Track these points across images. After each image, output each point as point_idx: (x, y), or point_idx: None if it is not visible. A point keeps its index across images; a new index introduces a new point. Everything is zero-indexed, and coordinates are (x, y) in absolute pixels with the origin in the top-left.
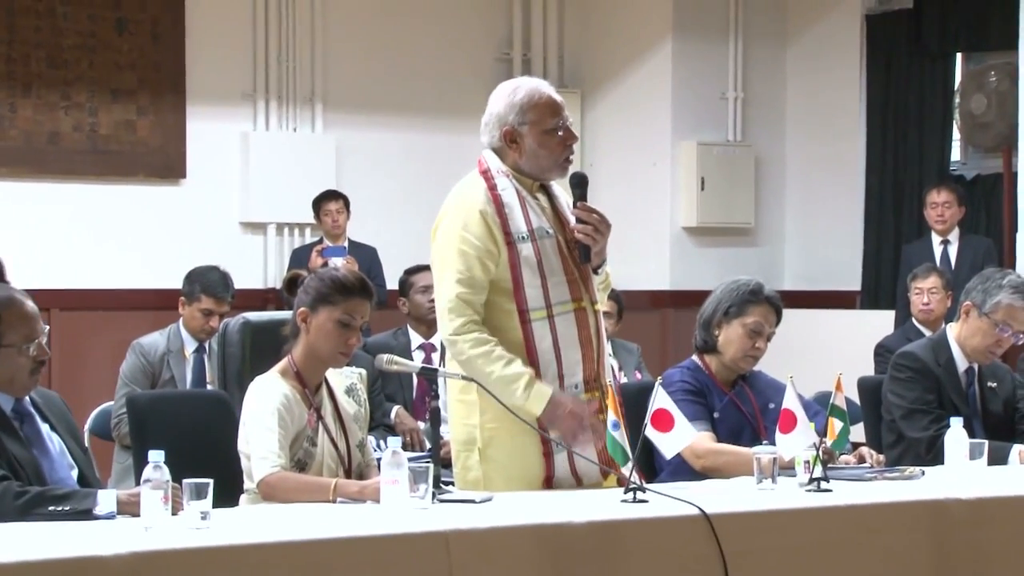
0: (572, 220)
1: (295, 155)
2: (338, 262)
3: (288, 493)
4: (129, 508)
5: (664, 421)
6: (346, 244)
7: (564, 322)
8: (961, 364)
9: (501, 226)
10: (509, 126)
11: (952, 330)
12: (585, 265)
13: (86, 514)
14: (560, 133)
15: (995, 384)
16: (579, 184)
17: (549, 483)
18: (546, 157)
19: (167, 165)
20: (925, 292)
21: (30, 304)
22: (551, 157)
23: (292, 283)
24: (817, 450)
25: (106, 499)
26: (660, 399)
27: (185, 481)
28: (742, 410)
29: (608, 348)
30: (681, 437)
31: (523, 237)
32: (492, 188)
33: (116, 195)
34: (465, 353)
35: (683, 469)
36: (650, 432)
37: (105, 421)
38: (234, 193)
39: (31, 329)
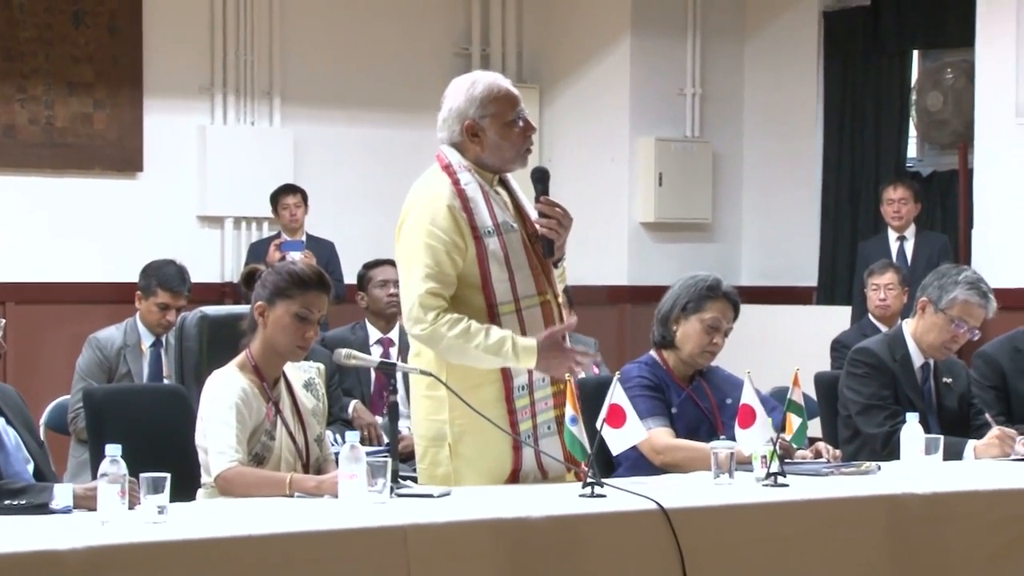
0: (533, 214)
1: (253, 149)
2: (296, 256)
3: (245, 488)
4: (85, 502)
5: (617, 417)
6: (304, 238)
7: (532, 315)
8: (917, 360)
9: (468, 221)
10: (470, 120)
11: (908, 326)
12: (547, 259)
13: (42, 508)
14: (520, 124)
15: (950, 380)
16: (541, 179)
17: (516, 476)
18: (508, 149)
19: (124, 158)
20: (882, 288)
21: None
22: (513, 149)
23: (250, 277)
24: (774, 445)
25: (62, 493)
26: (616, 395)
27: (142, 475)
28: (699, 405)
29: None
30: (631, 434)
31: (489, 231)
32: (456, 183)
33: (72, 188)
34: (445, 338)
35: (641, 464)
36: (604, 428)
37: (61, 415)
38: (191, 187)
39: None
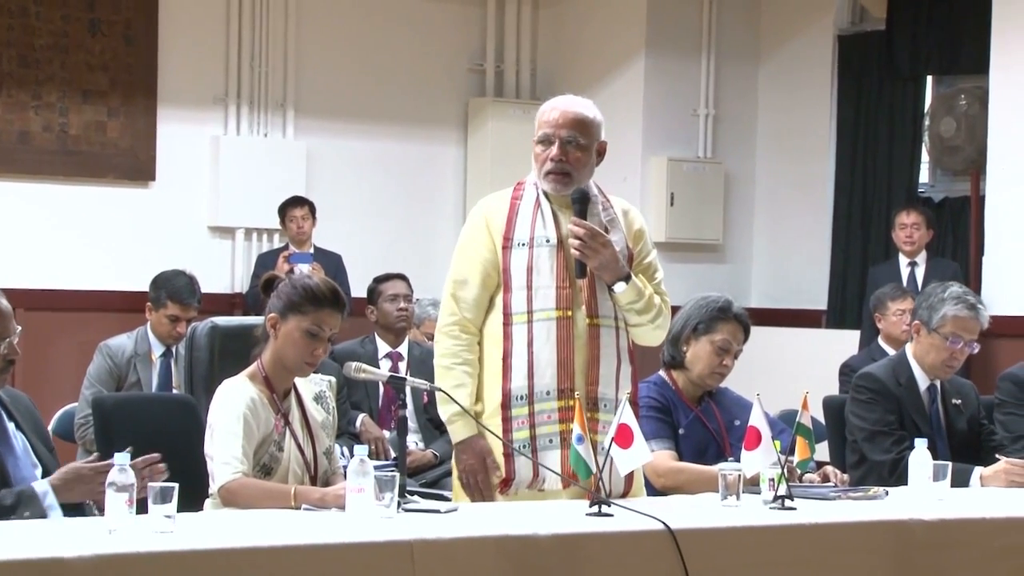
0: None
1: (265, 160)
2: (304, 268)
3: (248, 499)
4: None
5: (625, 437)
6: (312, 250)
7: (543, 328)
8: (923, 383)
9: (504, 231)
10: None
11: (911, 349)
12: (579, 279)
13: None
14: (542, 144)
15: (959, 401)
16: (576, 201)
17: (508, 484)
18: (535, 167)
19: (137, 167)
20: (908, 312)
21: (3, 303)
22: (537, 168)
23: (269, 284)
24: (782, 468)
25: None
26: (625, 415)
27: (150, 485)
28: (708, 427)
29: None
30: (638, 455)
31: (522, 243)
32: (516, 198)
33: (85, 196)
34: (436, 357)
35: (648, 484)
36: (612, 447)
37: (69, 422)
38: (203, 197)
39: (3, 328)
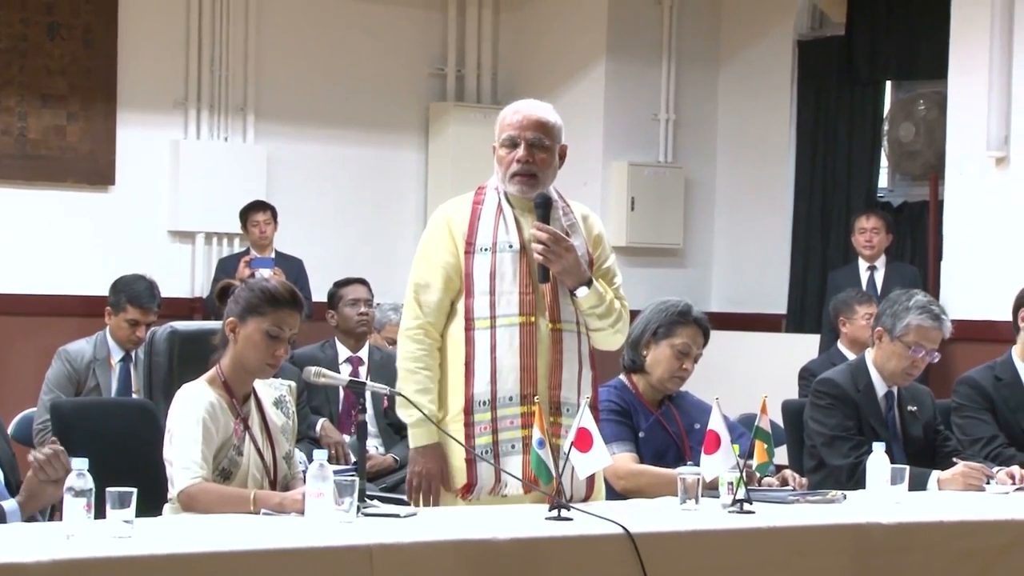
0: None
1: (225, 164)
2: (266, 273)
3: (208, 504)
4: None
5: (585, 441)
6: (273, 255)
7: (506, 334)
8: (880, 389)
9: (466, 236)
10: (494, 143)
11: (870, 355)
12: (546, 284)
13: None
14: (507, 147)
15: (915, 408)
16: (540, 205)
17: (470, 489)
18: (499, 170)
19: (96, 171)
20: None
21: None
22: (501, 170)
23: (223, 292)
24: (741, 472)
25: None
26: (584, 419)
27: (108, 489)
28: (668, 430)
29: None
30: (597, 459)
31: (484, 248)
32: (478, 203)
33: (44, 201)
34: (398, 361)
35: (607, 486)
36: (572, 451)
37: (27, 427)
38: (163, 201)
39: None
